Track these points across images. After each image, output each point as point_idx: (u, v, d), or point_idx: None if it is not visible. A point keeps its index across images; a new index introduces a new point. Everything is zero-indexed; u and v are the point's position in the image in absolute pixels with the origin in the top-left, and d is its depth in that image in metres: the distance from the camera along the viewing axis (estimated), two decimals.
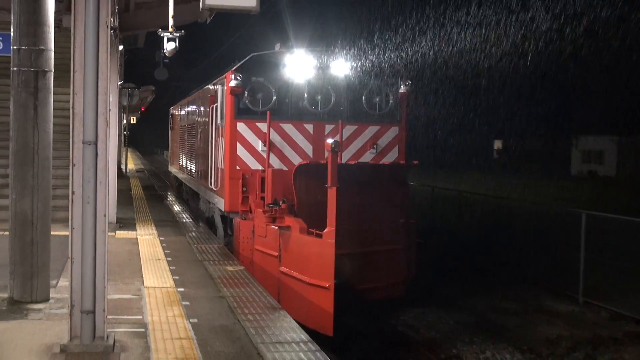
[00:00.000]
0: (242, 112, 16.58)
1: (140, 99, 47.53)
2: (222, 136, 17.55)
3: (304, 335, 9.17)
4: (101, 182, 7.96)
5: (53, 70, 10.49)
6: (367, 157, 17.11)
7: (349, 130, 16.97)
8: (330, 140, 12.19)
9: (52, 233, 10.58)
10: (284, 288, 13.98)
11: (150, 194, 30.15)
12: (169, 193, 32.49)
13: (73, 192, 7.89)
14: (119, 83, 24.24)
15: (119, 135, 29.77)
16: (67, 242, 8.02)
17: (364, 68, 18.09)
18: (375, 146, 17.21)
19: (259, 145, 16.48)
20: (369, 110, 17.49)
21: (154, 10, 21.19)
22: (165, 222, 20.56)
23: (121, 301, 10.54)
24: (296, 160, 16.44)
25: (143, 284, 11.93)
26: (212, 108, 19.09)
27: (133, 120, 59.30)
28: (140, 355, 8.12)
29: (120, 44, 22.60)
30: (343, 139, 16.79)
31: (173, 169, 34.98)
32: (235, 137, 16.46)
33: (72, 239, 7.92)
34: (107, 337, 8.14)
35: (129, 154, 50.74)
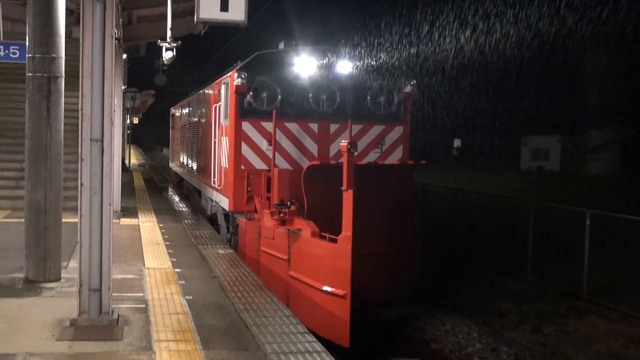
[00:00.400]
0: (247, 111, 14.65)
1: (142, 102, 47.49)
2: (225, 135, 15.58)
3: (286, 312, 9.20)
4: (107, 175, 7.95)
5: (64, 75, 10.46)
6: (372, 156, 15.34)
7: (354, 129, 14.97)
8: (344, 142, 10.51)
9: (63, 220, 10.55)
10: (294, 293, 12.12)
11: (151, 186, 30.02)
12: (168, 186, 32.34)
13: (82, 184, 7.89)
14: (123, 87, 24.04)
15: (123, 134, 29.56)
16: (76, 228, 8.01)
17: (368, 67, 16.07)
18: (380, 146, 15.37)
19: (264, 145, 14.61)
20: (374, 109, 15.49)
21: (154, 23, 21.08)
22: (163, 211, 20.48)
23: (124, 280, 10.52)
24: (301, 160, 14.73)
25: (144, 265, 11.90)
26: (215, 107, 17.15)
27: (135, 121, 59.03)
28: (142, 328, 8.11)
29: (124, 53, 22.44)
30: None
31: (173, 165, 32.43)
32: (240, 137, 14.59)
33: (80, 225, 7.92)
34: (112, 312, 8.16)
35: (131, 150, 50.62)
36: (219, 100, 16.38)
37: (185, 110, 26.22)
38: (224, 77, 16.08)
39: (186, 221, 18.35)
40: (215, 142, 16.95)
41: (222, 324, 8.46)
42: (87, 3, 7.78)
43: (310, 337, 7.98)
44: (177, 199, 25.18)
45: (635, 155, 51.74)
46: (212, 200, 18.25)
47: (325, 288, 11.00)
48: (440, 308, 14.43)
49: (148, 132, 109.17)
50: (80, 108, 7.89)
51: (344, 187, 10.37)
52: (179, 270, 11.63)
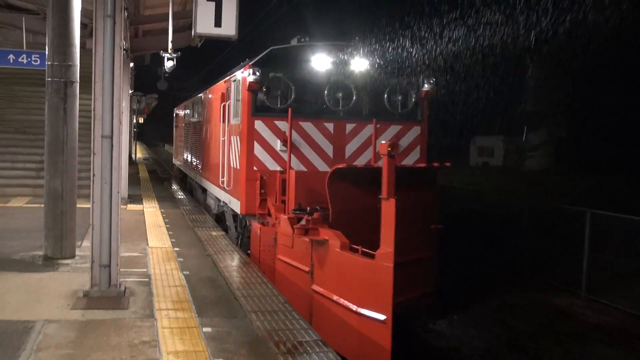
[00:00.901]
0: (259, 109, 12.09)
1: (147, 104, 47.28)
2: (236, 134, 12.96)
3: (270, 285, 9.19)
4: (115, 167, 7.94)
5: (78, 80, 10.42)
6: None
7: (370, 129, 12.53)
8: (384, 142, 8.10)
9: (78, 206, 10.51)
10: (319, 310, 9.57)
11: (154, 177, 29.86)
12: (168, 177, 32.18)
13: (94, 175, 7.86)
14: (130, 91, 23.90)
15: (130, 131, 29.44)
16: (89, 212, 7.99)
17: (386, 64, 13.24)
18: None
19: (278, 145, 12.00)
20: (391, 108, 12.81)
21: (157, 36, 20.95)
22: (165, 198, 20.37)
23: (130, 258, 10.46)
24: (316, 161, 12.33)
25: (147, 245, 11.83)
26: (223, 106, 14.41)
27: (141, 120, 58.54)
28: (145, 299, 8.08)
29: (131, 62, 22.30)
30: (364, 139, 12.62)
31: (177, 162, 29.40)
32: (253, 136, 11.98)
33: (92, 210, 7.90)
34: (120, 285, 8.15)
35: (137, 146, 50.33)
36: (228, 99, 13.94)
37: (190, 110, 23.04)
38: (234, 74, 13.52)
39: (184, 207, 18.25)
40: (223, 142, 14.29)
41: (215, 295, 8.44)
42: (99, 19, 7.77)
43: (289, 307, 7.99)
44: (176, 188, 25.03)
45: (565, 153, 52.59)
46: (219, 200, 15.49)
47: (362, 311, 8.46)
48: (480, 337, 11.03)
49: (152, 130, 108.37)
50: (92, 109, 7.88)
51: (384, 196, 7.98)
52: (177, 249, 11.57)
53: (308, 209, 10.32)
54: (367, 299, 8.36)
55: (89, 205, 7.99)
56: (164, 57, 15.81)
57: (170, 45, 14.80)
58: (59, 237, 10.24)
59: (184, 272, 9.67)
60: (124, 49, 9.09)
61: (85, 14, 11.18)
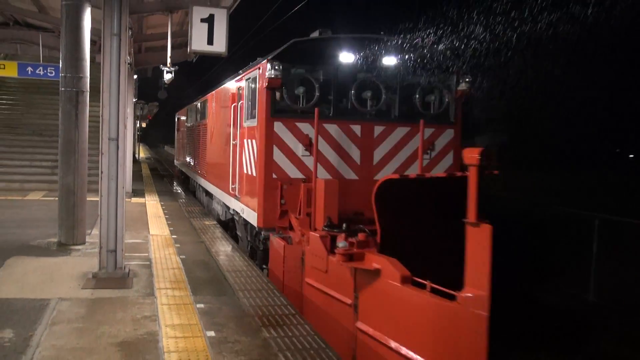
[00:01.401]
0: (279, 109, 9.44)
1: (149, 110, 47.08)
2: (251, 138, 10.14)
3: (255, 268, 9.17)
4: (121, 165, 7.90)
5: (88, 90, 10.38)
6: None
7: (400, 132, 9.76)
8: (474, 149, 5.44)
9: (87, 199, 10.44)
10: (368, 355, 6.75)
11: (155, 174, 29.63)
12: (168, 174, 31.96)
13: (102, 172, 7.81)
14: (134, 100, 23.70)
15: (134, 134, 29.28)
16: (97, 205, 7.93)
17: (419, 61, 10.30)
18: (429, 151, 9.86)
19: (299, 150, 9.37)
20: (423, 109, 9.91)
21: (158, 52, 20.78)
22: (164, 192, 20.24)
23: (134, 244, 10.38)
24: (342, 167, 9.55)
25: (149, 233, 11.72)
26: (235, 107, 11.60)
27: (144, 125, 58.15)
28: (147, 279, 8.04)
29: (135, 74, 22.16)
30: (395, 143, 9.76)
31: (179, 164, 26.26)
32: (272, 140, 9.31)
33: (101, 203, 7.85)
34: (124, 268, 8.10)
35: (140, 147, 49.96)
36: (241, 99, 11.09)
37: (195, 113, 19.82)
38: (247, 72, 10.63)
39: (181, 200, 18.14)
40: (235, 146, 11.45)
41: (207, 276, 8.42)
42: (107, 37, 7.73)
43: (271, 286, 7.99)
44: (174, 184, 24.87)
45: (506, 155, 53.64)
46: (228, 207, 12.63)
47: None
48: None
49: (153, 133, 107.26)
50: (101, 115, 7.83)
51: (471, 219, 5.29)
52: (175, 236, 11.50)
53: (344, 226, 7.90)
54: (443, 352, 5.67)
55: (97, 199, 7.93)
56: (163, 70, 15.73)
57: (169, 60, 14.71)
58: (71, 226, 10.17)
59: (180, 257, 9.62)
60: (128, 63, 9.04)
61: (95, 32, 11.08)
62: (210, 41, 8.77)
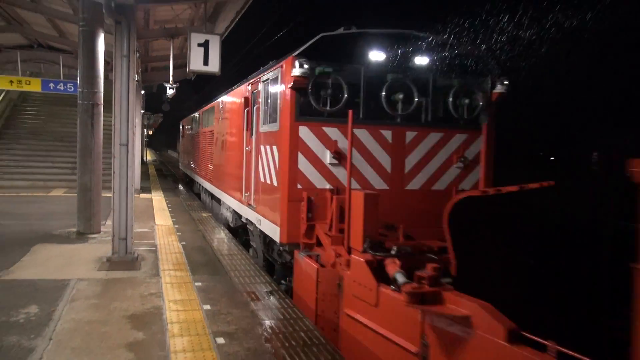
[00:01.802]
0: (304, 112, 7.27)
1: (154, 120, 46.66)
2: (270, 144, 7.88)
3: (244, 252, 9.17)
4: (130, 166, 7.84)
5: (102, 103, 10.27)
6: (454, 172, 7.69)
7: (433, 138, 7.62)
8: None
9: (102, 195, 10.32)
10: None
11: (160, 174, 29.32)
12: (171, 174, 31.67)
13: (114, 172, 7.75)
14: (142, 111, 23.47)
15: (142, 140, 29.01)
16: (110, 200, 7.88)
17: (453, 60, 7.89)
18: (462, 159, 7.73)
19: (327, 157, 7.23)
20: (456, 113, 7.74)
21: (161, 71, 20.60)
22: (168, 189, 20.07)
23: (142, 232, 10.30)
24: (371, 176, 7.33)
25: (155, 223, 11.63)
26: (248, 112, 9.32)
27: (150, 132, 57.53)
28: (153, 262, 8.00)
29: (142, 90, 21.96)
30: (427, 150, 7.59)
31: (183, 167, 23.73)
32: (297, 146, 7.21)
33: (113, 198, 7.78)
34: (134, 252, 8.04)
35: (147, 151, 49.48)
36: (255, 103, 8.86)
37: (200, 120, 17.25)
38: (264, 73, 8.38)
39: (182, 196, 18.01)
40: (248, 152, 9.16)
41: (204, 259, 8.40)
42: (117, 58, 7.66)
43: (257, 267, 8.00)
44: (176, 182, 24.67)
45: None
46: (239, 215, 10.16)
47: None
48: None
49: (159, 140, 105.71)
50: (113, 124, 7.75)
51: None
52: (177, 226, 11.43)
53: (394, 249, 5.76)
54: None
55: (110, 195, 7.88)
56: (166, 87, 15.65)
57: (171, 78, 14.65)
58: (88, 218, 10.08)
59: (181, 243, 9.57)
60: (136, 80, 8.98)
61: (107, 54, 10.95)
62: (205, 62, 8.75)
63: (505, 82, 7.82)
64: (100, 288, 6.55)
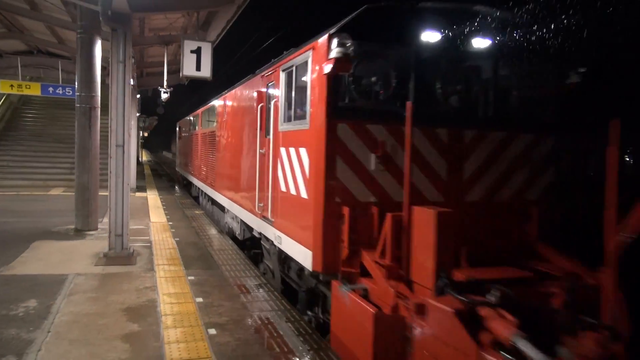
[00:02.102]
0: (344, 107, 4.96)
1: (150, 123, 46.26)
2: (294, 146, 5.74)
3: (234, 246, 9.10)
4: (126, 166, 7.73)
5: (99, 106, 10.17)
6: (519, 179, 5.50)
7: (496, 139, 5.36)
8: None
9: (99, 194, 10.19)
10: None
11: (155, 174, 29.08)
12: (166, 173, 31.39)
13: (110, 172, 7.63)
14: (137, 114, 23.24)
15: (137, 142, 28.73)
16: (107, 198, 7.74)
17: (522, 46, 5.07)
18: (529, 164, 5.50)
19: (371, 162, 4.93)
20: (523, 110, 5.57)
21: (157, 76, 20.41)
22: (162, 188, 19.88)
23: (137, 229, 10.17)
24: (423, 184, 5.13)
25: (150, 220, 11.50)
26: (262, 108, 7.23)
27: (145, 134, 57.02)
28: (148, 257, 7.90)
29: (138, 94, 21.77)
30: (486, 154, 5.39)
31: (180, 169, 20.74)
32: (335, 149, 4.87)
33: (110, 196, 7.66)
34: (130, 248, 7.91)
35: (143, 152, 49.01)
36: (270, 98, 6.86)
37: (200, 120, 14.76)
38: (285, 60, 6.31)
39: (176, 194, 17.86)
40: (263, 155, 7.06)
41: (197, 254, 8.32)
42: (114, 63, 7.56)
43: (247, 261, 7.95)
44: (171, 181, 24.44)
45: None
46: (251, 228, 8.01)
47: None
48: None
49: (154, 141, 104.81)
50: (109, 126, 7.62)
51: None
52: (171, 223, 11.32)
53: (495, 293, 3.67)
54: None
55: (107, 193, 7.75)
56: (161, 91, 15.51)
57: (165, 83, 14.52)
58: (86, 216, 9.93)
59: (175, 239, 9.48)
60: (132, 85, 8.86)
61: (104, 59, 10.83)
62: (198, 68, 8.67)
63: (581, 71, 5.37)
64: (98, 282, 6.45)
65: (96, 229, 10.00)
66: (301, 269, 5.93)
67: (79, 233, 9.66)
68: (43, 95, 18.92)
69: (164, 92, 15.30)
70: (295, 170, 5.68)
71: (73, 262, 7.45)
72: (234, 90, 9.71)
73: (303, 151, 5.46)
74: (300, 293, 6.19)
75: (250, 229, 8.14)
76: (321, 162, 5.01)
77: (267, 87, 7.07)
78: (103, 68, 11.35)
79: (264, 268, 7.91)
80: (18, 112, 23.02)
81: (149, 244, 8.89)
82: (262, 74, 7.33)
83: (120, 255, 7.68)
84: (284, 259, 6.61)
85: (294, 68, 5.93)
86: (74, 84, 10.85)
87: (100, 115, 10.25)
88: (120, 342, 4.60)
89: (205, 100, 15.31)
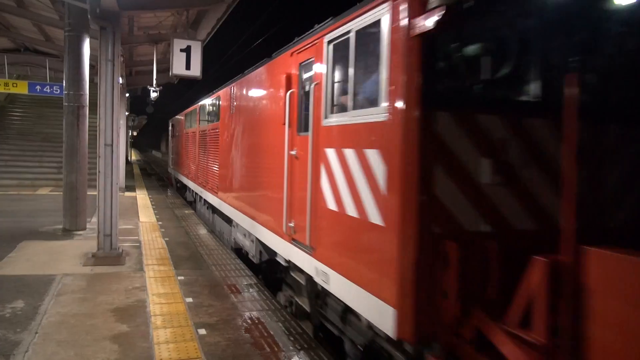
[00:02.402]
0: (441, 90, 2.98)
1: (139, 122, 45.93)
2: (350, 146, 3.77)
3: (225, 248, 9.07)
4: (115, 166, 7.68)
5: (88, 105, 10.04)
6: None
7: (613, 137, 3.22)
8: None
9: (87, 193, 10.09)
10: None
11: (144, 173, 28.89)
12: (154, 173, 31.17)
13: (99, 171, 7.57)
14: (126, 113, 23.06)
15: (127, 141, 28.54)
16: (96, 198, 7.67)
17: None
18: None
19: (486, 172, 2.98)
20: None
21: (146, 75, 20.26)
22: (152, 187, 19.75)
23: (127, 229, 10.09)
24: (547, 201, 3.19)
25: (139, 220, 11.41)
26: (290, 96, 5.22)
27: (135, 133, 56.61)
28: (137, 257, 7.84)
29: (127, 93, 21.58)
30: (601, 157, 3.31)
31: (174, 171, 18.79)
32: (432, 151, 2.94)
33: (98, 196, 7.59)
34: (119, 248, 7.87)
35: (132, 151, 48.68)
36: (305, 82, 5.10)
37: (198, 116, 12.62)
38: (336, 25, 4.22)
39: (166, 194, 17.76)
40: (293, 159, 5.17)
41: (187, 254, 8.27)
42: (102, 62, 7.50)
43: (238, 262, 7.92)
44: (160, 181, 24.28)
45: None
46: (273, 251, 6.15)
47: None
48: None
49: (143, 140, 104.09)
50: (98, 125, 7.56)
51: None
52: (160, 222, 11.24)
53: None
54: None
55: (96, 193, 7.68)
56: (150, 90, 15.40)
57: (154, 82, 14.40)
58: (74, 215, 9.84)
59: (165, 239, 9.41)
60: (121, 84, 8.79)
61: (93, 58, 10.73)
62: (187, 67, 8.60)
63: None
64: (86, 283, 6.39)
65: (84, 228, 9.91)
66: (347, 310, 4.20)
67: (67, 233, 9.57)
68: (30, 94, 18.71)
69: (153, 91, 15.19)
70: (358, 181, 3.82)
71: (61, 262, 7.37)
72: (246, 77, 7.65)
73: (373, 154, 3.60)
74: (346, 343, 4.30)
75: (272, 253, 6.22)
76: (410, 171, 3.20)
77: (300, 67, 5.26)
78: (91, 66, 11.24)
79: (287, 301, 6.09)
80: (5, 111, 22.72)
81: (138, 244, 8.82)
82: (292, 50, 5.47)
83: (109, 255, 7.62)
84: (319, 293, 4.95)
85: (351, 35, 4.06)
86: (62, 83, 10.74)
87: (89, 114, 10.15)
88: (109, 343, 4.56)
89: (194, 99, 15.11)
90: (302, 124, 5.12)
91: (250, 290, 6.36)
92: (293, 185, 5.19)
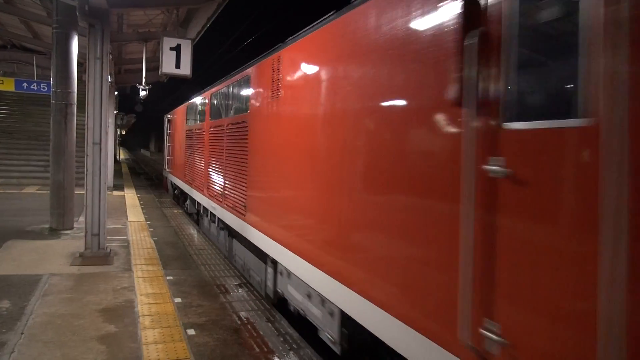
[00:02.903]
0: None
1: (127, 121, 45.57)
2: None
3: (214, 248, 9.02)
4: (103, 164, 7.60)
5: (76, 103, 9.92)
6: None
7: None
8: None
9: (75, 192, 9.98)
10: None
11: (133, 172, 28.67)
12: (144, 172, 30.95)
13: (87, 170, 7.49)
14: (115, 112, 22.87)
15: (115, 140, 28.28)
16: (83, 197, 7.59)
17: None
18: None
19: None
20: None
21: (135, 73, 20.11)
22: (140, 187, 19.61)
23: (115, 229, 10.00)
24: None
25: (127, 219, 11.32)
26: (486, 51, 2.04)
27: (123, 132, 56.14)
28: (125, 257, 7.77)
29: (116, 91, 21.39)
30: None
31: (171, 175, 15.30)
32: None
33: (86, 195, 7.51)
34: (106, 248, 7.79)
35: (121, 150, 48.31)
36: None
37: (207, 107, 9.60)
38: None
39: (154, 193, 17.64)
40: (491, 184, 2.07)
41: (175, 253, 8.23)
42: (91, 60, 7.42)
43: (228, 262, 7.89)
44: (149, 180, 24.12)
45: None
46: (321, 300, 4.00)
47: None
48: None
49: (132, 139, 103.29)
50: (86, 123, 7.48)
51: None
52: (149, 222, 11.17)
53: None
54: None
55: (83, 192, 7.60)
56: (139, 88, 15.29)
57: (144, 80, 14.30)
58: (61, 214, 9.72)
59: (153, 238, 9.35)
60: (109, 82, 8.71)
61: (81, 55, 10.63)
62: (177, 66, 8.56)
63: None
64: (73, 282, 6.32)
65: (72, 228, 9.80)
66: None
67: (54, 232, 9.46)
68: (17, 91, 18.49)
69: (143, 90, 15.08)
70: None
71: (48, 262, 7.29)
72: (323, 28, 4.28)
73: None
74: None
75: (322, 303, 4.13)
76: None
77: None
78: (80, 64, 11.13)
79: None
80: None
81: (126, 244, 8.75)
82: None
83: (96, 255, 7.54)
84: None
85: None
86: (50, 80, 10.65)
87: (77, 112, 10.05)
88: (97, 344, 4.51)
89: (185, 98, 14.34)
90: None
91: (240, 290, 6.34)
92: (498, 236, 2.29)
